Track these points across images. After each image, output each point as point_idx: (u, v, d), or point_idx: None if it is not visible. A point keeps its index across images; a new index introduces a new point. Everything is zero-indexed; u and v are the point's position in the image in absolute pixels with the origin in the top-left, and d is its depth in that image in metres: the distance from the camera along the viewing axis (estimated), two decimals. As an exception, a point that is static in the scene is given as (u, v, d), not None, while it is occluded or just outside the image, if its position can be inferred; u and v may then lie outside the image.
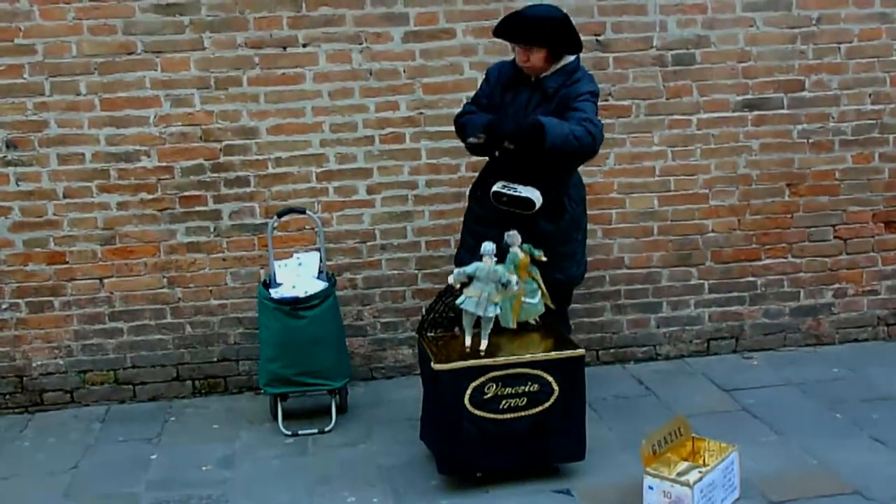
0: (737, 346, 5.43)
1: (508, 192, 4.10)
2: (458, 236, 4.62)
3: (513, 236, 4.01)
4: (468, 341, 3.91)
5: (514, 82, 4.11)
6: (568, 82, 4.08)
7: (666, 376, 5.13)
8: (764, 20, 5.14)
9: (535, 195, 4.08)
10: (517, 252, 4.02)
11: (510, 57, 4.26)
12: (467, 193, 4.57)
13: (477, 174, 4.50)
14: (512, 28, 3.99)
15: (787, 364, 5.23)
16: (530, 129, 3.90)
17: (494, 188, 4.14)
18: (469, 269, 3.86)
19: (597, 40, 5.02)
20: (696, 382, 5.03)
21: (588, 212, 5.15)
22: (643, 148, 5.18)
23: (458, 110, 4.38)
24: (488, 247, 3.86)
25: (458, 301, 3.86)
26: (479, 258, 3.88)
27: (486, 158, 4.33)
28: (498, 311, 3.91)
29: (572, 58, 4.14)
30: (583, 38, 4.92)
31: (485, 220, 4.26)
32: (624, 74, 5.09)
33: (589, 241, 5.17)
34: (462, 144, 4.28)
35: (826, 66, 5.22)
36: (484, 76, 4.33)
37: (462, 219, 4.56)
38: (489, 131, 3.96)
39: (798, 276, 5.42)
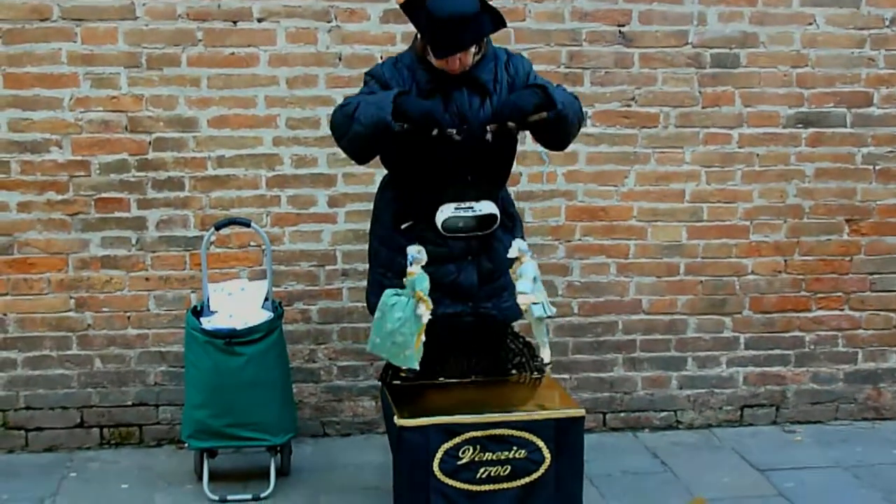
0: (777, 417, 5.43)
1: (468, 214, 4.05)
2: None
3: (421, 251, 3.93)
4: None
5: (436, 85, 4.02)
6: (499, 66, 4.09)
7: (687, 449, 5.11)
8: (826, 18, 5.18)
9: (494, 208, 4.06)
10: (426, 275, 3.93)
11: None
12: (375, 231, 4.29)
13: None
14: (454, 41, 3.92)
15: (838, 441, 5.21)
16: (544, 94, 3.90)
17: (446, 215, 4.00)
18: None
19: (620, 32, 5.06)
20: (725, 459, 5.01)
21: (601, 242, 5.20)
22: (671, 167, 5.19)
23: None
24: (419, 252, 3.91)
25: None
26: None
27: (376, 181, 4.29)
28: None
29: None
30: (604, 28, 5.03)
31: (429, 256, 4.00)
32: (651, 76, 5.12)
33: (600, 279, 5.21)
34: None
35: (900, 77, 5.28)
36: (370, 78, 4.08)
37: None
38: (514, 111, 3.89)
39: (856, 333, 5.43)
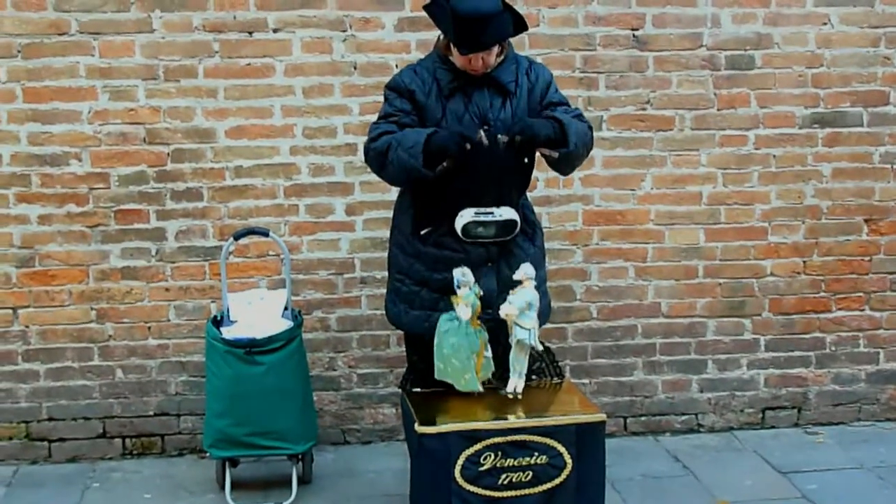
0: (799, 419, 5.41)
1: (488, 219, 4.04)
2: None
3: (466, 273, 3.92)
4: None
5: (456, 86, 4.04)
6: (520, 71, 4.11)
7: (709, 452, 5.10)
8: (840, 17, 5.16)
9: (514, 213, 4.06)
10: (473, 293, 3.93)
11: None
12: (394, 237, 4.28)
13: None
14: (478, 38, 3.93)
15: (861, 442, 5.19)
16: (560, 129, 3.92)
17: (465, 220, 4.00)
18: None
19: (634, 36, 5.05)
20: (747, 461, 5.00)
21: (618, 245, 5.18)
22: (688, 169, 5.18)
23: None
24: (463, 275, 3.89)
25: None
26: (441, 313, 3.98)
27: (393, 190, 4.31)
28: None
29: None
30: (618, 32, 5.02)
31: (448, 261, 4.04)
32: (666, 79, 5.11)
33: (618, 282, 5.19)
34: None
35: (916, 75, 5.25)
36: (391, 92, 4.08)
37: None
38: (525, 139, 3.90)
39: (877, 333, 5.40)
